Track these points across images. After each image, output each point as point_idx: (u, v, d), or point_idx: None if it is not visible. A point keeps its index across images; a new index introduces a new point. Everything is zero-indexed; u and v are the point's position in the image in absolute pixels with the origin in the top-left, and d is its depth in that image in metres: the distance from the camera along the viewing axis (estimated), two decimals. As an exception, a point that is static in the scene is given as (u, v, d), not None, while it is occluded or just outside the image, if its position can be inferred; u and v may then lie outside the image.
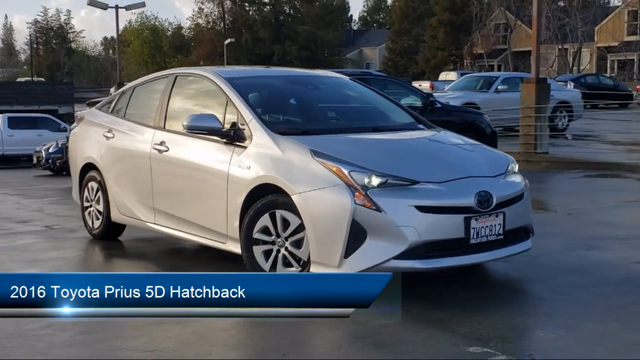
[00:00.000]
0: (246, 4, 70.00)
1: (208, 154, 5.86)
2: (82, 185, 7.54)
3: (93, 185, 7.37)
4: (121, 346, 4.27)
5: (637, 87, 31.45)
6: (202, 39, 68.81)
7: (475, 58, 59.05)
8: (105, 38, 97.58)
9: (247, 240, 5.40)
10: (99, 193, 7.26)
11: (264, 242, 5.32)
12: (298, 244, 5.17)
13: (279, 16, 67.57)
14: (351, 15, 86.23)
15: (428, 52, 61.45)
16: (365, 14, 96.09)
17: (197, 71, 6.61)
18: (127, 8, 31.68)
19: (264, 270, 5.32)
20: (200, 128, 5.79)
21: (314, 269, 5.03)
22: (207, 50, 65.47)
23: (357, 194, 4.87)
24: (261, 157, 5.43)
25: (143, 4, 31.57)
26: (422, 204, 4.88)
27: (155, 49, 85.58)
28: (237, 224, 5.53)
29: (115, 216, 7.09)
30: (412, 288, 5.28)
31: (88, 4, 29.67)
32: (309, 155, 5.20)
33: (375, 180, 4.93)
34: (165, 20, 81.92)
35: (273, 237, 5.28)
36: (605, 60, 54.64)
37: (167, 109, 6.54)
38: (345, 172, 4.98)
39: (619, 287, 5.33)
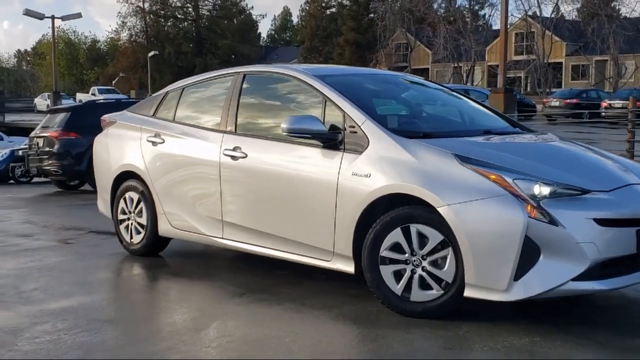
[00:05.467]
0: (161, 20, 67.86)
1: (306, 160, 4.69)
2: (117, 196, 6.18)
3: (132, 195, 6.03)
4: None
5: (545, 100, 31.74)
6: (124, 51, 66.06)
7: (379, 75, 59.49)
8: (18, 51, 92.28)
9: (372, 259, 4.28)
10: (141, 204, 5.94)
11: (394, 261, 4.23)
12: (439, 263, 4.11)
13: (200, 31, 65.77)
14: (259, 33, 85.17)
15: (336, 69, 61.49)
16: (273, 32, 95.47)
17: (275, 69, 5.38)
18: (63, 18, 29.45)
19: (393, 293, 4.23)
20: (303, 131, 4.60)
21: (470, 293, 3.97)
22: (129, 62, 62.81)
23: (528, 205, 3.85)
24: (387, 163, 4.31)
25: (79, 15, 29.42)
26: (601, 217, 3.90)
27: (72, 61, 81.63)
28: (350, 239, 4.41)
29: (165, 230, 5.79)
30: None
31: (24, 14, 27.41)
32: (453, 161, 4.12)
33: (545, 190, 3.91)
34: (81, 34, 78.34)
35: (406, 255, 4.19)
36: (496, 77, 55.83)
37: (237, 111, 5.32)
38: (509, 180, 3.94)
39: None
